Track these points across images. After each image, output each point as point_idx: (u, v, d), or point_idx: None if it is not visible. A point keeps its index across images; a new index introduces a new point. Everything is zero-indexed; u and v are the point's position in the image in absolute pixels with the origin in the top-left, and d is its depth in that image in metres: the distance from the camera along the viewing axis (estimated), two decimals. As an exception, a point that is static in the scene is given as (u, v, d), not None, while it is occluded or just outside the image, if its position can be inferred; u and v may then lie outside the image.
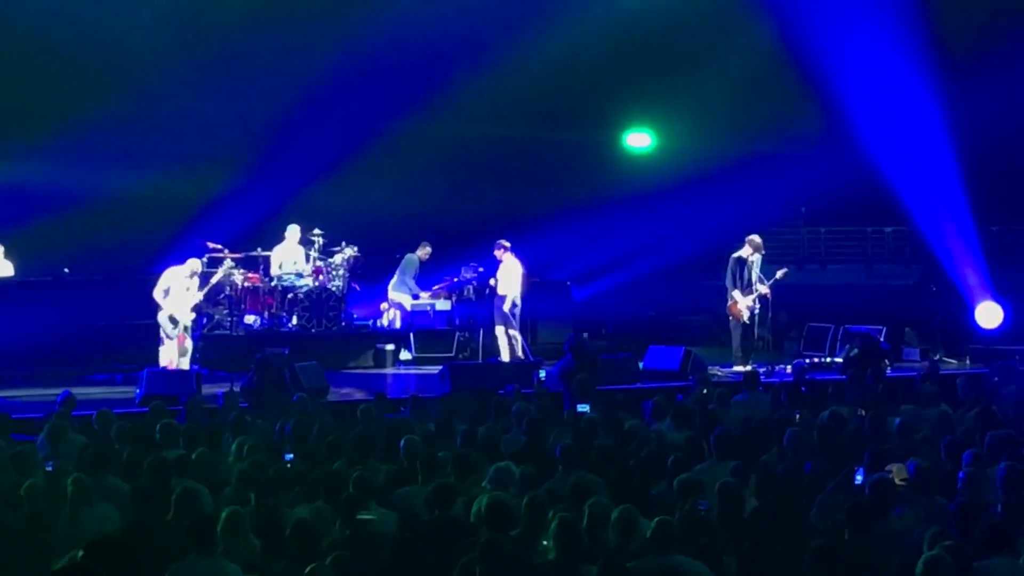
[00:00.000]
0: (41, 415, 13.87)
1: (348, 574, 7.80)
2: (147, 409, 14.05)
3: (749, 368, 17.97)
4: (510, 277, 20.69)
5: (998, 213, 26.03)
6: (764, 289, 19.81)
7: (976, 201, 23.89)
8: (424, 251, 22.67)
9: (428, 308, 22.63)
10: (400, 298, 22.52)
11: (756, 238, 20.01)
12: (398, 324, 22.49)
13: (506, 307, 20.42)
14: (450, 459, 10.45)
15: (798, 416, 13.29)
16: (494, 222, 23.74)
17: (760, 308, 19.80)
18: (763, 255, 20.02)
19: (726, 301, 20.11)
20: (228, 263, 20.46)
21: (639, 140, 28.87)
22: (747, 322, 19.81)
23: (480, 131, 26.78)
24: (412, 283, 22.53)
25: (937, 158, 23.78)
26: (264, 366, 16.12)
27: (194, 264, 18.74)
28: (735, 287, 19.88)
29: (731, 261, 20.00)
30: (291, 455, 11.12)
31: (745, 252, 19.98)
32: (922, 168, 24.02)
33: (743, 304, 19.78)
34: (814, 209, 27.84)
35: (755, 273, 19.87)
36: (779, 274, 20.03)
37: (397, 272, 22.61)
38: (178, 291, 18.45)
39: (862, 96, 24.25)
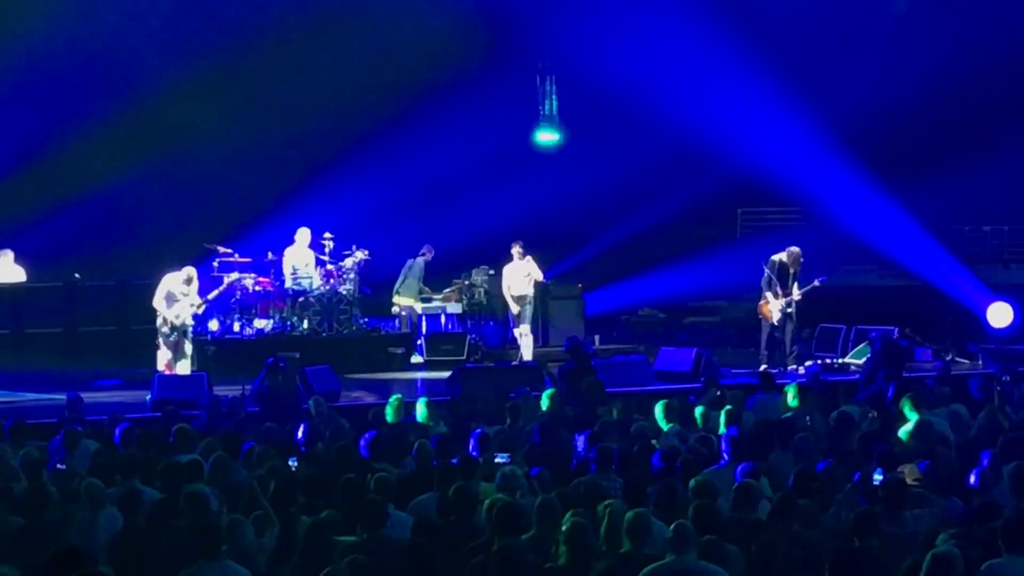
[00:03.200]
0: (54, 420, 13.90)
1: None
2: (160, 414, 14.06)
3: (763, 369, 17.99)
4: (524, 276, 20.86)
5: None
6: (797, 295, 19.86)
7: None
8: (428, 255, 22.66)
9: (439, 311, 22.59)
10: (407, 302, 22.49)
11: (796, 250, 20.05)
12: (406, 328, 22.45)
13: (523, 308, 20.75)
14: (460, 463, 10.42)
15: (808, 420, 13.29)
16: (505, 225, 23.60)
17: (791, 311, 19.83)
18: (799, 267, 20.05)
19: (759, 300, 20.18)
20: (234, 274, 20.51)
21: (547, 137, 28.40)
22: (776, 323, 19.86)
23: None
24: (417, 287, 22.49)
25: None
26: (275, 370, 16.12)
27: (189, 271, 18.68)
28: (769, 288, 19.93)
29: (770, 263, 20.03)
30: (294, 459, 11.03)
31: (784, 258, 19.99)
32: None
33: (774, 306, 19.84)
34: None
35: (792, 279, 19.91)
36: (816, 282, 20.07)
37: (401, 276, 22.58)
38: (178, 296, 18.43)
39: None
